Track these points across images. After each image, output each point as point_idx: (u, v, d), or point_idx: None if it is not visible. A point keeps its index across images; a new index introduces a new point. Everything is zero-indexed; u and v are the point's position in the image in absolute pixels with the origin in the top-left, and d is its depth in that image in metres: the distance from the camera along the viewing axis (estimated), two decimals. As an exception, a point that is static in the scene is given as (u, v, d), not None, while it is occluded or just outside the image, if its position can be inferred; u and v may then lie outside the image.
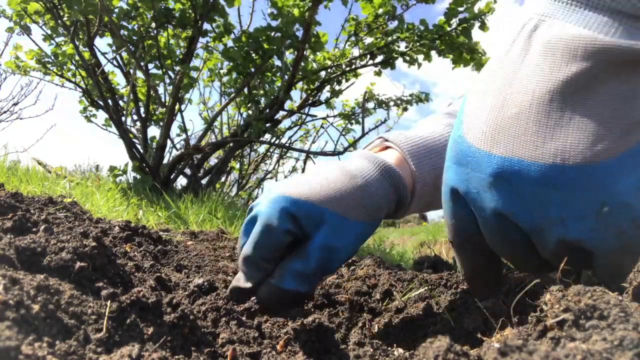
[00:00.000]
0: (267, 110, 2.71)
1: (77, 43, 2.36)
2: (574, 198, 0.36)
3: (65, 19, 2.36)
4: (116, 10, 2.31)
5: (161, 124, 2.62)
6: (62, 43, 2.70)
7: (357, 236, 0.56)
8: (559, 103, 0.36)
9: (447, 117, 0.71)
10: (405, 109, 3.40)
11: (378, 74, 2.91)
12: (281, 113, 2.85)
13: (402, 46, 2.75)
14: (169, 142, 2.63)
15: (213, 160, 3.65)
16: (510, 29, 0.41)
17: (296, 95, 3.45)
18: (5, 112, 3.76)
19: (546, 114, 0.36)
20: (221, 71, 3.06)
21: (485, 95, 0.40)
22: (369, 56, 2.82)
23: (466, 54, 2.63)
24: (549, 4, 0.37)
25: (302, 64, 2.59)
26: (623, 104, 0.35)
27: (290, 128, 3.64)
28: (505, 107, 0.38)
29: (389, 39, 2.70)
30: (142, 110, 2.66)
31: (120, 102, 2.75)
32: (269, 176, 4.47)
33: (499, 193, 0.38)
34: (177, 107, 2.48)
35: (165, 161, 2.61)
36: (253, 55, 2.44)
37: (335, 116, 3.42)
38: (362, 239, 0.57)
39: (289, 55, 2.68)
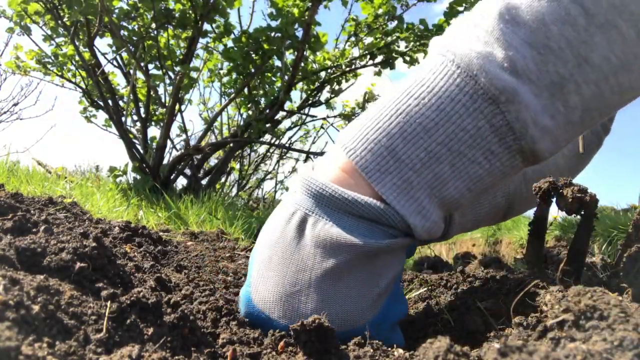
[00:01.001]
0: (267, 111, 2.71)
1: (77, 43, 2.36)
2: None
3: (65, 19, 2.36)
4: (116, 10, 2.31)
5: (161, 124, 2.62)
6: (62, 43, 2.70)
7: None
8: (328, 284, 0.48)
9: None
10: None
11: (378, 74, 2.91)
12: (281, 113, 2.85)
13: (402, 46, 2.75)
14: (169, 142, 2.63)
15: (213, 161, 3.66)
16: (281, 212, 0.53)
17: (296, 96, 3.46)
18: (5, 112, 3.76)
19: (319, 293, 0.48)
20: (221, 71, 3.06)
21: (269, 269, 0.50)
22: (369, 56, 2.82)
23: (466, 54, 2.62)
24: (309, 201, 0.50)
25: (302, 64, 2.59)
26: (370, 280, 0.49)
27: (290, 128, 3.65)
28: (286, 284, 0.49)
29: (389, 39, 2.70)
30: (142, 110, 2.66)
31: (121, 103, 2.75)
32: (269, 176, 4.47)
33: None
34: (177, 107, 2.48)
35: (165, 162, 2.61)
36: (253, 55, 2.44)
37: (335, 117, 3.42)
38: None
39: (289, 56, 2.68)
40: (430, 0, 2.50)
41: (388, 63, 2.77)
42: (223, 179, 3.77)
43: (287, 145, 3.66)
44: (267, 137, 3.00)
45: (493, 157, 0.49)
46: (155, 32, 2.30)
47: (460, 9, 2.51)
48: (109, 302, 0.38)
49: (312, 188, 0.50)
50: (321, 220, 0.49)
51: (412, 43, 2.68)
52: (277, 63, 2.63)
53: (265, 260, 0.51)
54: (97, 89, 2.48)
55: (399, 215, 0.48)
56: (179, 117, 2.62)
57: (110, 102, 2.54)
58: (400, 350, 0.42)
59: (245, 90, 2.70)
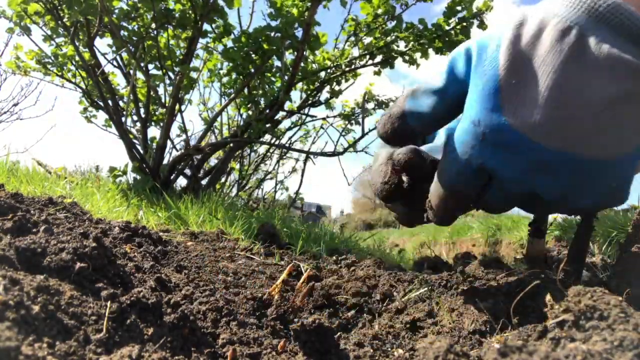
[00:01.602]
0: (267, 111, 2.71)
1: (77, 44, 2.36)
2: (603, 182, 0.47)
3: (65, 19, 2.36)
4: (116, 10, 2.31)
5: (161, 124, 2.62)
6: (62, 44, 2.70)
7: None
8: (611, 111, 0.43)
9: None
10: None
11: (378, 73, 2.91)
12: (281, 113, 2.85)
13: (402, 46, 2.75)
14: (168, 142, 2.63)
15: (213, 161, 3.66)
16: (546, 27, 0.46)
17: (296, 96, 3.46)
18: (5, 112, 3.76)
19: (600, 118, 0.43)
20: (221, 72, 3.06)
21: (530, 87, 0.45)
22: (368, 56, 2.82)
23: (465, 53, 2.63)
24: (589, 21, 0.44)
25: (302, 64, 2.59)
26: None
27: (290, 128, 3.64)
28: (562, 107, 0.44)
29: (388, 38, 2.70)
30: (142, 110, 2.66)
31: (121, 103, 2.75)
32: (269, 177, 4.47)
33: (544, 177, 0.47)
34: (177, 107, 2.48)
35: (165, 162, 2.61)
36: (253, 55, 2.44)
37: (335, 117, 3.42)
38: None
39: (289, 56, 2.68)
40: (427, 0, 2.51)
41: (387, 63, 2.77)
42: (223, 179, 3.77)
43: (287, 145, 3.66)
44: (267, 137, 3.00)
45: None
46: (155, 33, 2.30)
47: (459, 8, 2.51)
48: (109, 302, 0.38)
49: (597, 8, 0.44)
50: (606, 42, 0.44)
51: (411, 43, 2.68)
52: (277, 63, 2.63)
53: (528, 79, 0.45)
54: (97, 89, 2.48)
55: None
56: (179, 117, 2.62)
57: (110, 102, 2.54)
58: (400, 351, 0.42)
59: (245, 90, 2.70)
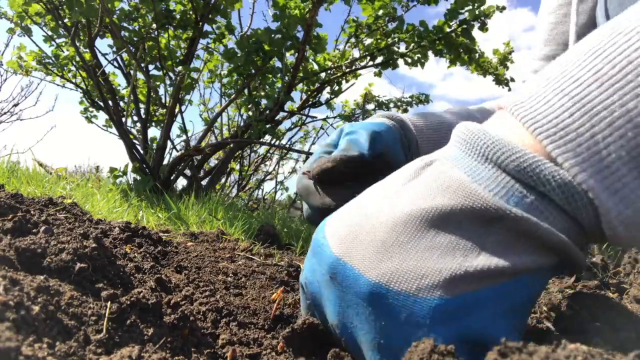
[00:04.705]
0: (268, 112, 2.71)
1: (77, 44, 2.36)
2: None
3: (66, 20, 2.36)
4: (117, 11, 2.31)
5: (161, 125, 2.62)
6: (63, 44, 2.71)
7: None
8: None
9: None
10: (405, 111, 3.40)
11: (378, 74, 2.91)
12: (281, 114, 2.85)
13: (402, 47, 2.75)
14: (169, 143, 2.64)
15: (213, 161, 3.66)
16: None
17: (296, 97, 3.46)
18: (5, 113, 3.76)
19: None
20: (221, 72, 3.06)
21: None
22: (369, 57, 2.82)
23: (464, 54, 2.64)
24: (455, 150, 0.38)
25: (303, 64, 2.60)
26: (471, 249, 0.33)
27: (290, 129, 3.65)
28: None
29: (389, 40, 2.71)
30: (142, 111, 2.67)
31: (121, 103, 2.75)
32: (269, 177, 4.48)
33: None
34: (177, 108, 2.48)
35: (165, 162, 2.61)
36: (254, 56, 2.44)
37: (335, 117, 3.42)
38: None
39: (290, 57, 2.68)
40: (431, 3, 2.51)
41: (388, 64, 2.77)
42: (223, 180, 3.78)
43: (287, 146, 3.67)
44: (267, 138, 3.00)
45: None
46: (156, 33, 2.30)
47: (462, 10, 2.51)
48: (109, 302, 0.38)
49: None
50: (448, 162, 0.37)
51: (412, 44, 2.68)
52: (278, 64, 2.63)
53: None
54: (98, 89, 2.48)
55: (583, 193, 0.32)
56: (179, 118, 2.62)
57: (110, 102, 2.55)
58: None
59: (246, 91, 2.70)
